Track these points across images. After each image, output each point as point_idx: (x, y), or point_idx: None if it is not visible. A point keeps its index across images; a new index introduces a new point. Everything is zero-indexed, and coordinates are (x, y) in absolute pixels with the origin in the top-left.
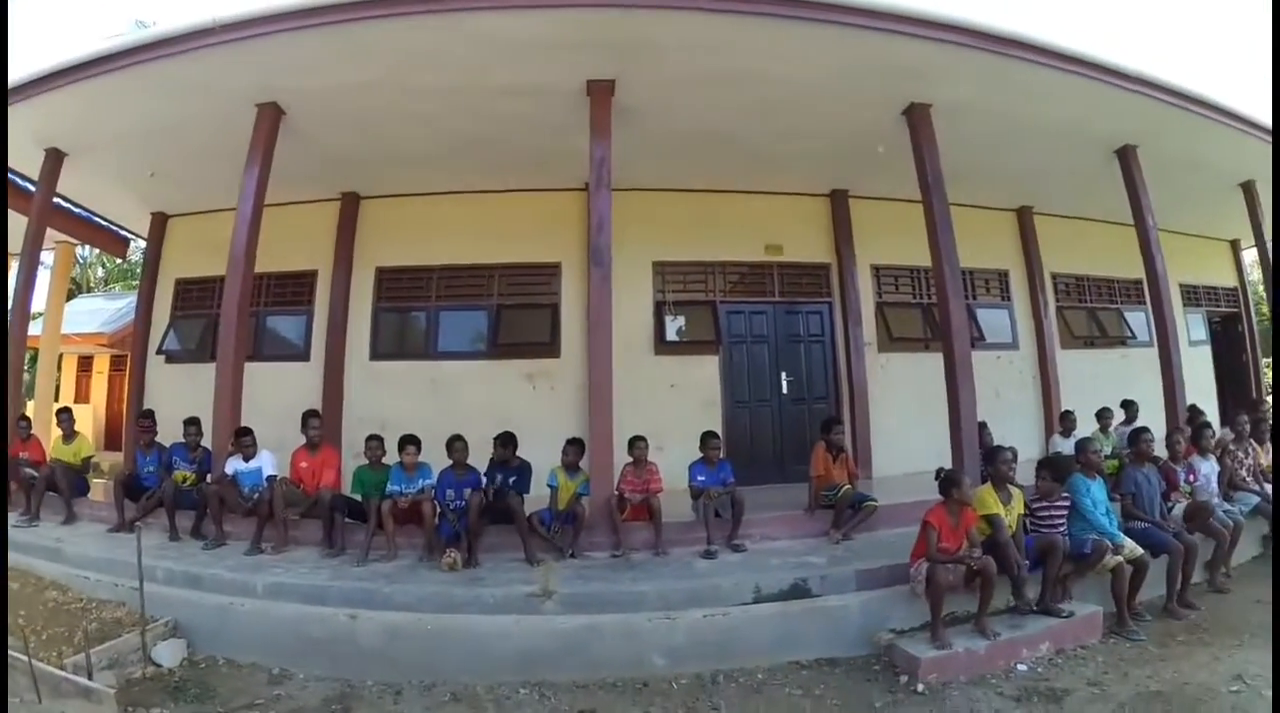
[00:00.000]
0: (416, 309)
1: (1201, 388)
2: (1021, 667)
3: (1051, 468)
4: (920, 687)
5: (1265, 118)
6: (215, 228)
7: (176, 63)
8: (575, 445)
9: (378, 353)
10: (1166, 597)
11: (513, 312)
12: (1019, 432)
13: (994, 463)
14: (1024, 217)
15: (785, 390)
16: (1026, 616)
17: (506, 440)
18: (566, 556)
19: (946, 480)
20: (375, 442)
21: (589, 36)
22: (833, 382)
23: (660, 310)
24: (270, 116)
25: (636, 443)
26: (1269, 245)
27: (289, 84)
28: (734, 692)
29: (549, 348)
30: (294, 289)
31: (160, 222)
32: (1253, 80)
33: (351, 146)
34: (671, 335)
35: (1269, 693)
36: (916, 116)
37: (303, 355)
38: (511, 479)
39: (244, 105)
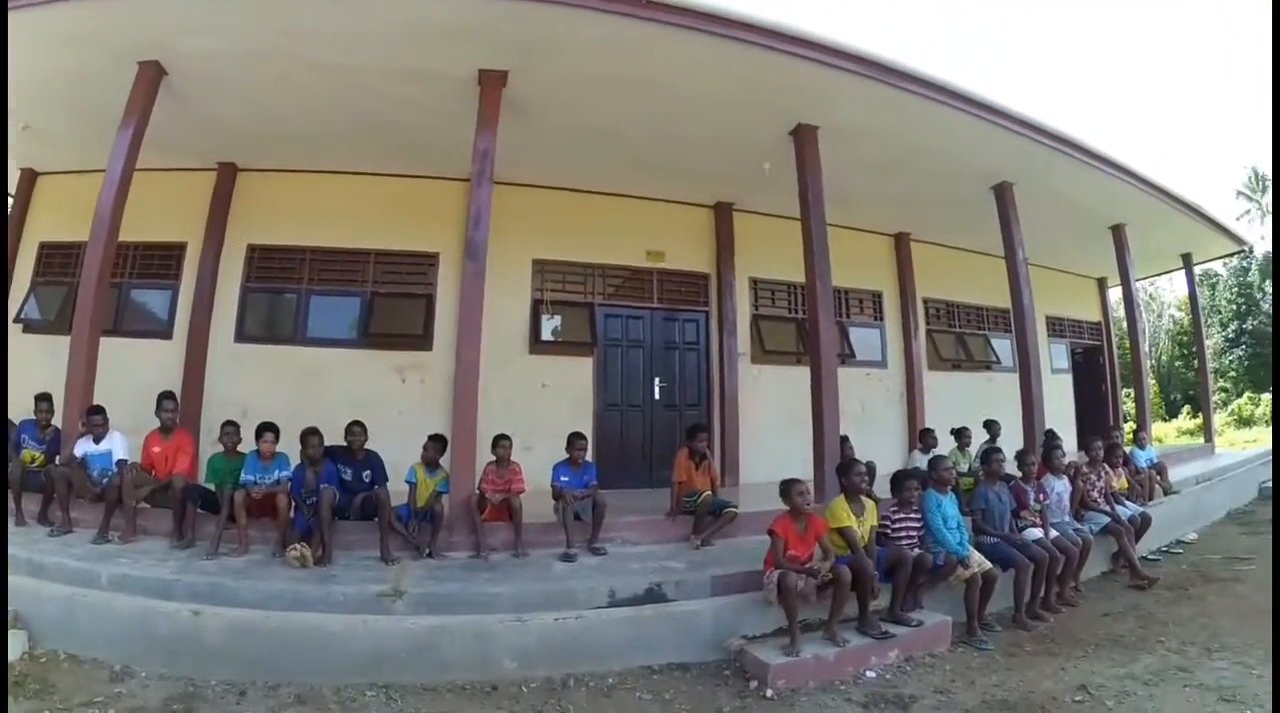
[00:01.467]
0: (287, 291)
1: (1062, 413)
2: (870, 674)
3: (892, 482)
4: (769, 692)
5: (1137, 165)
6: (85, 189)
7: (57, 10)
8: (436, 442)
9: (243, 335)
10: (1015, 608)
11: (387, 301)
12: (884, 447)
13: (847, 475)
14: (901, 242)
15: (658, 396)
16: (877, 624)
17: (355, 428)
18: (424, 555)
19: (782, 491)
20: (231, 428)
21: (488, 25)
22: (705, 390)
23: (537, 309)
24: (150, 75)
25: (500, 441)
26: (1129, 286)
27: (175, 43)
28: (584, 696)
29: (422, 340)
30: (161, 261)
31: (29, 178)
32: (1128, 129)
33: (233, 115)
34: (547, 335)
35: (1112, 703)
36: (803, 137)
37: (165, 332)
38: (365, 474)
39: (125, 61)
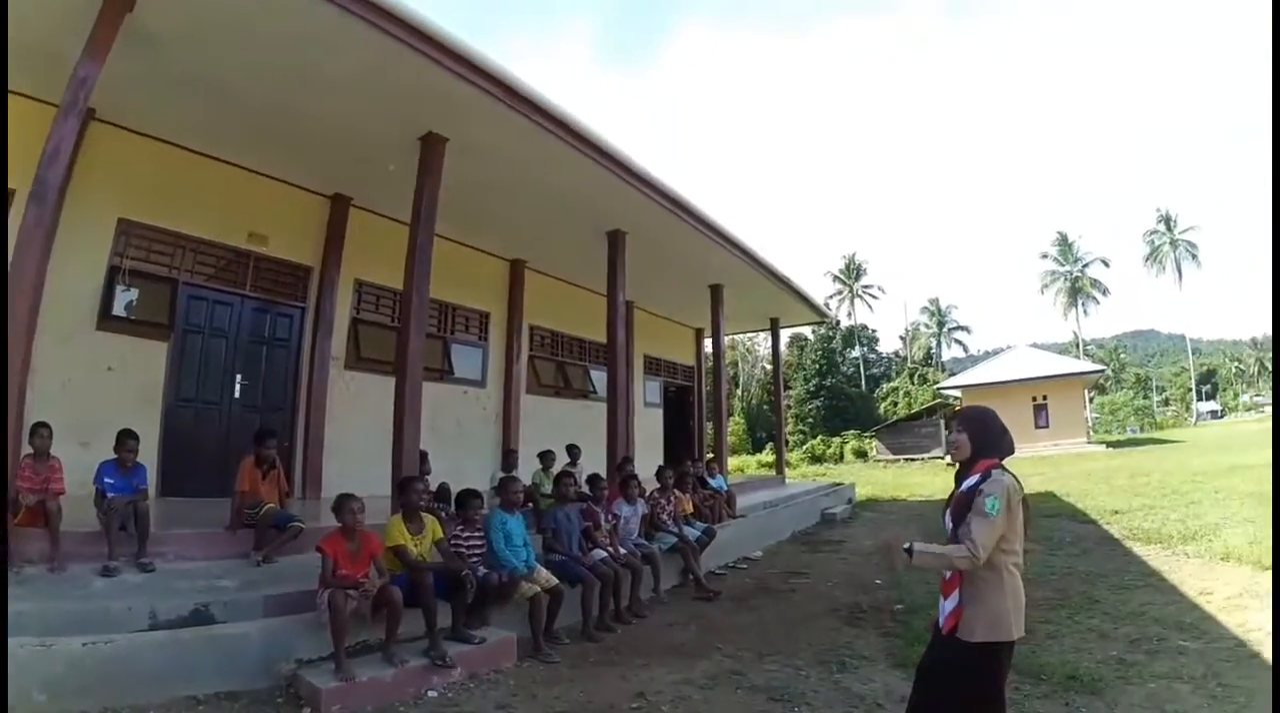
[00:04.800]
0: None
1: (653, 443)
2: (432, 693)
3: (457, 501)
4: None
5: (739, 235)
6: None
7: None
8: None
9: None
10: (583, 623)
11: None
12: (477, 465)
13: (405, 493)
14: (517, 268)
15: (238, 394)
16: (440, 642)
17: None
18: None
19: (335, 507)
20: None
21: None
22: (292, 392)
23: (114, 277)
24: None
25: (39, 431)
26: (718, 338)
27: None
28: None
29: None
30: None
31: None
32: (752, 210)
33: None
34: (120, 310)
35: (668, 708)
36: (432, 146)
37: None
38: None
39: None
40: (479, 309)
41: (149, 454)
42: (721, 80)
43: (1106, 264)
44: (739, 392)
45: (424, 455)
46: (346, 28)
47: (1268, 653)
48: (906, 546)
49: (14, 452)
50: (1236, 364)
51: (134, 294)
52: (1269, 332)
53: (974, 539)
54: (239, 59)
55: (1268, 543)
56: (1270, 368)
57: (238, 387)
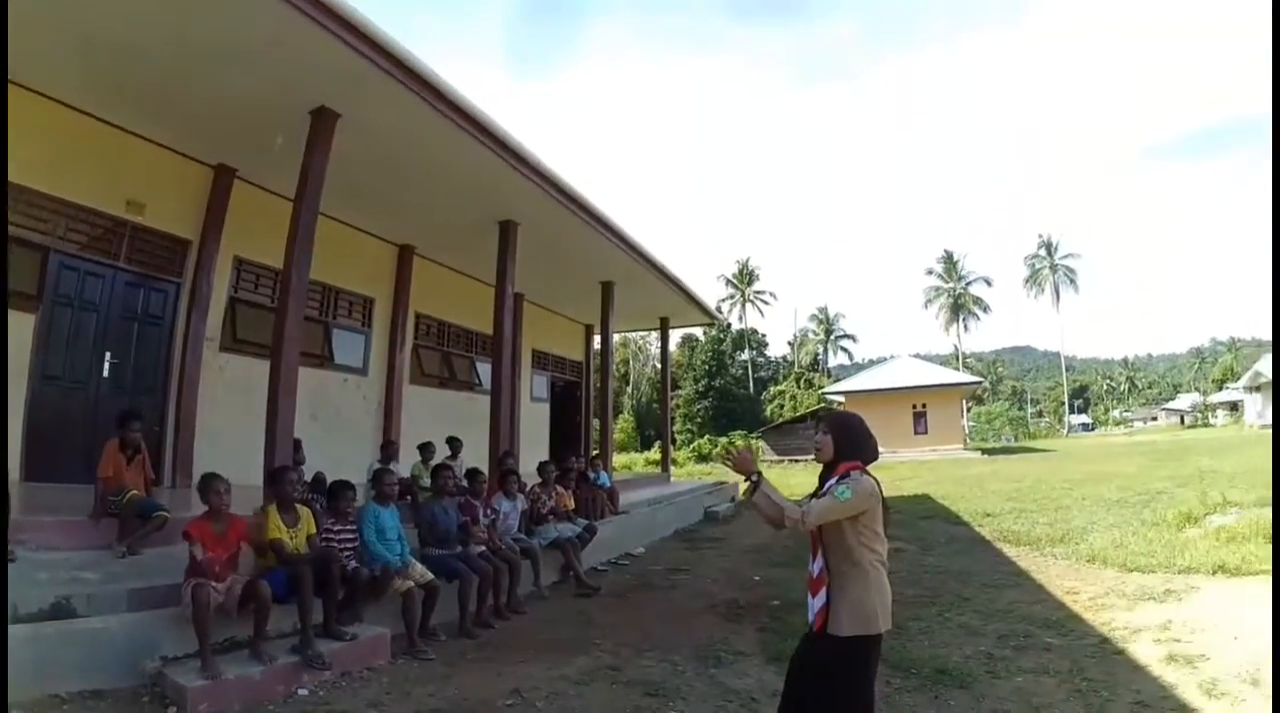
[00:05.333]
0: None
1: (539, 437)
2: (303, 692)
3: (328, 492)
4: None
5: (628, 230)
6: None
7: None
8: None
9: None
10: (460, 618)
11: None
12: (356, 455)
13: (279, 484)
14: (405, 254)
15: (107, 374)
16: (312, 640)
17: None
18: None
19: (200, 488)
20: None
21: None
22: (164, 374)
23: None
24: None
25: None
26: (607, 335)
27: None
28: None
29: None
30: None
31: None
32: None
33: None
34: None
35: (542, 704)
36: (323, 120)
37: None
38: None
39: None
40: (363, 294)
41: (11, 435)
42: (622, 86)
43: (989, 283)
44: (629, 389)
45: (298, 444)
46: None
47: (1132, 649)
48: (756, 477)
49: None
50: (1108, 381)
51: None
52: (1139, 353)
53: (811, 508)
54: (131, 16)
55: (1132, 546)
56: (1135, 387)
57: (107, 365)
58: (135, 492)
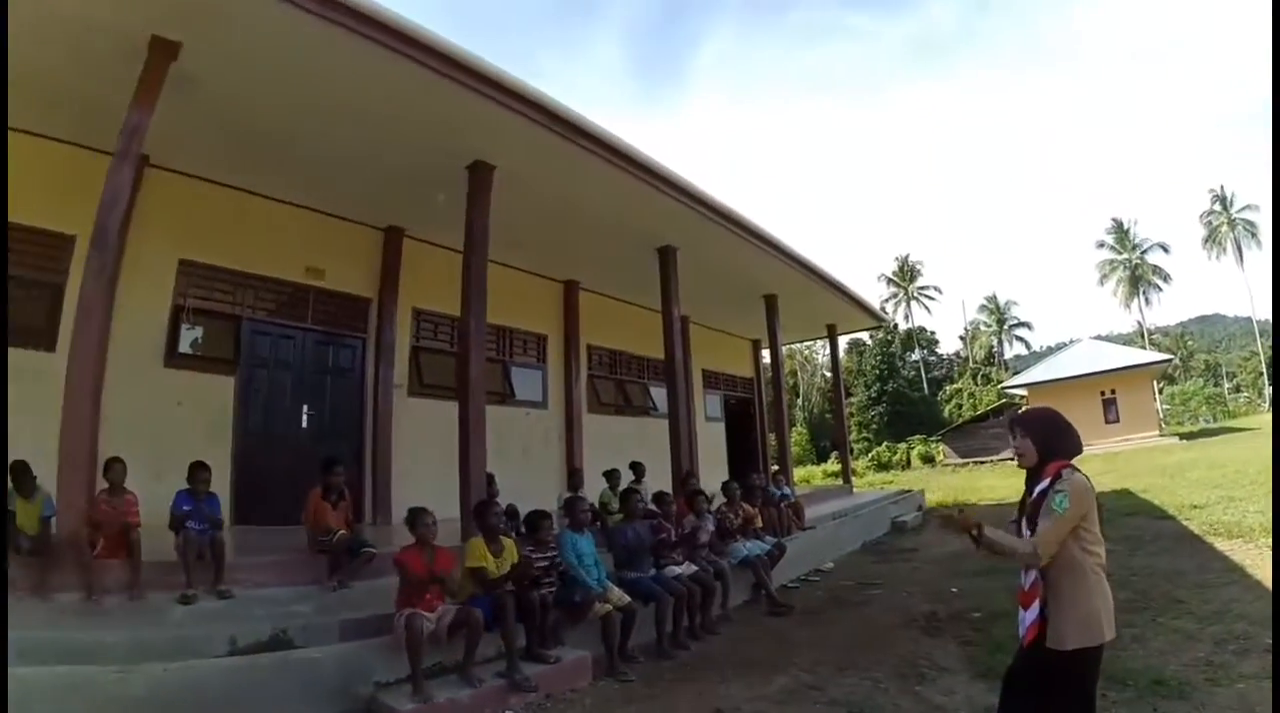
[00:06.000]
0: None
1: (716, 456)
2: None
3: (527, 522)
4: None
5: (790, 243)
6: None
7: None
8: (18, 468)
9: None
10: (657, 640)
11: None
12: (542, 486)
13: (484, 516)
14: (570, 289)
15: (306, 424)
16: (519, 664)
17: None
18: (31, 595)
19: (409, 520)
20: None
21: None
22: (358, 421)
23: (178, 316)
24: None
25: (113, 465)
26: (776, 348)
27: None
28: None
29: (43, 337)
30: None
31: None
32: (794, 215)
33: None
34: (186, 347)
35: None
36: (479, 174)
37: None
38: None
39: None
40: (536, 332)
41: (221, 484)
42: (750, 88)
43: (1166, 249)
44: (799, 401)
45: (491, 478)
46: (383, 62)
47: None
48: (977, 532)
49: (90, 486)
50: None
51: (199, 331)
52: None
53: (1040, 537)
54: (283, 100)
55: None
56: None
57: (305, 417)
58: (343, 531)
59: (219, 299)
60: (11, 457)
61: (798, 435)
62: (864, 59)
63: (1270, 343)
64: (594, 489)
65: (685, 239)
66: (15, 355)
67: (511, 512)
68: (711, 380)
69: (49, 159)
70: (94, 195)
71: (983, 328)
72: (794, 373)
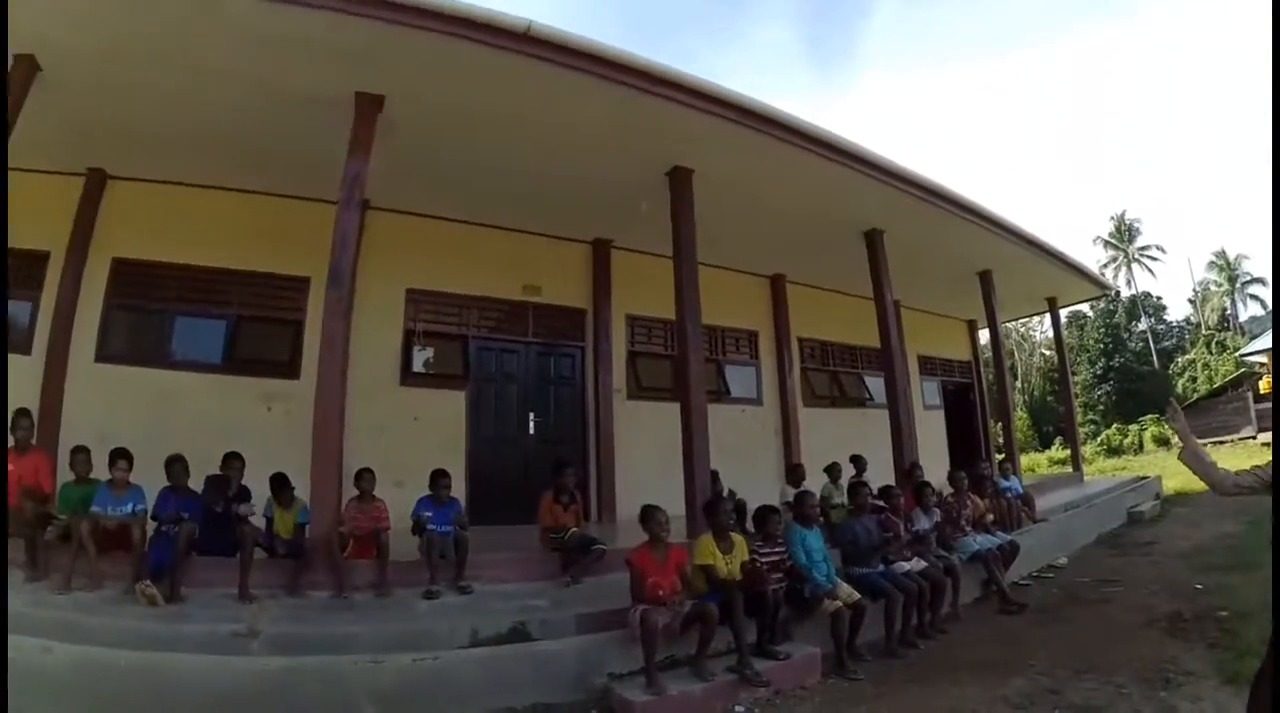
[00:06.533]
0: (151, 310)
1: (935, 446)
2: (739, 709)
3: (756, 518)
4: None
5: (1003, 214)
6: None
7: None
8: (275, 480)
9: (104, 354)
10: (886, 638)
11: (254, 324)
12: (761, 482)
13: (714, 513)
14: (777, 283)
15: (533, 431)
16: (749, 659)
17: (236, 462)
18: (286, 593)
19: (642, 518)
20: (82, 455)
21: (353, 44)
22: (580, 425)
23: (409, 340)
24: (26, 69)
25: (363, 476)
26: (995, 327)
27: (55, 37)
28: None
29: (289, 368)
30: (22, 270)
31: None
32: (994, 178)
33: (106, 118)
34: (419, 367)
35: None
36: (679, 179)
37: (24, 348)
38: (250, 501)
39: None
40: (746, 328)
41: (456, 489)
42: (926, 53)
43: None
44: (1018, 384)
45: (715, 475)
46: (595, 90)
47: None
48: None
49: (338, 495)
50: None
51: (429, 352)
52: None
53: (1244, 474)
54: (484, 135)
55: None
56: None
57: (531, 424)
58: (574, 529)
59: (445, 321)
60: (263, 470)
61: (1019, 421)
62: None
63: None
64: (813, 486)
65: (892, 221)
66: (266, 385)
67: (739, 506)
68: (928, 366)
69: (280, 214)
70: (320, 241)
71: (1213, 288)
72: (1010, 353)
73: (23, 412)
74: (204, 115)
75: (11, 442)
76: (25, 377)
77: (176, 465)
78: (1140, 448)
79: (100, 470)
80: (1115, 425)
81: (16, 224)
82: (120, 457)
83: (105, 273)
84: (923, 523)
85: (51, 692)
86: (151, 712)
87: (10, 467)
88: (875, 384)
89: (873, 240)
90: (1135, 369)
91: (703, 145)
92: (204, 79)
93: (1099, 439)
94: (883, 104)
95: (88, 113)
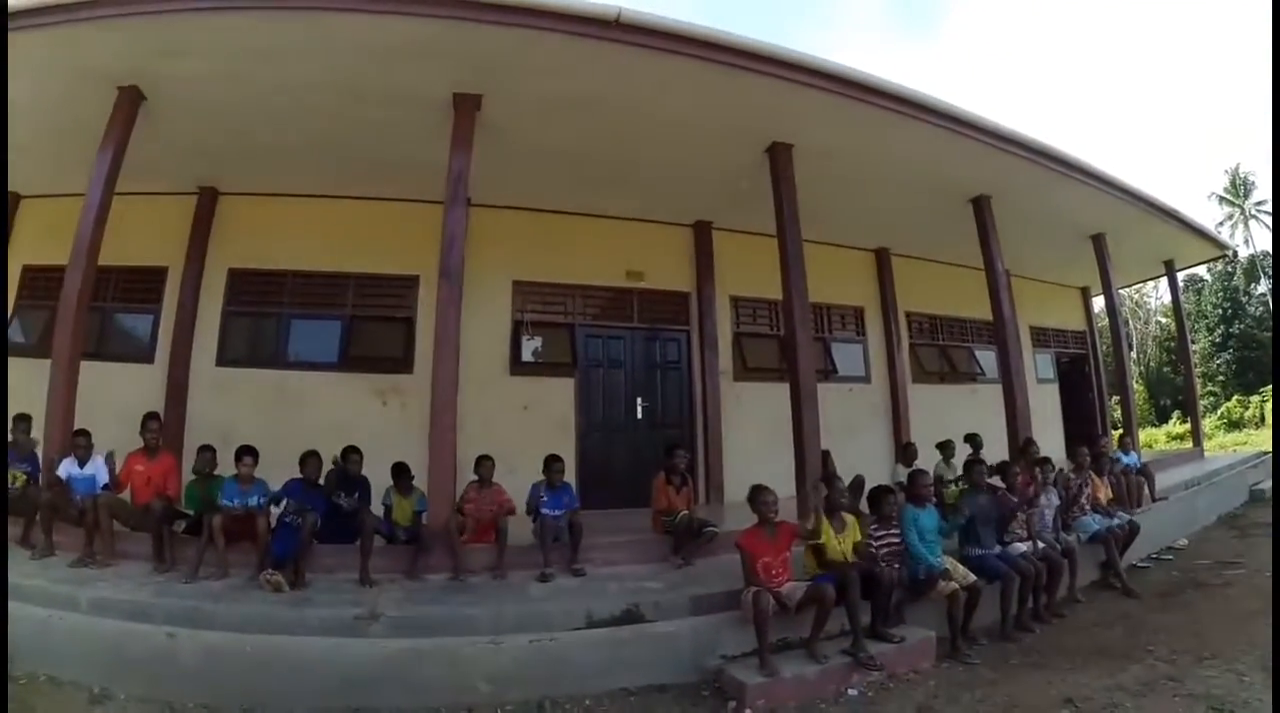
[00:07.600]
0: (268, 315)
1: (1049, 422)
2: (852, 692)
3: (870, 498)
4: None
5: (1115, 173)
6: (67, 213)
7: (38, 35)
8: (396, 469)
9: (224, 359)
10: (1001, 621)
11: (366, 323)
12: (870, 461)
13: (829, 493)
14: (881, 257)
15: (640, 416)
16: (864, 642)
17: (355, 455)
18: (405, 577)
19: (750, 498)
20: (208, 453)
21: (460, 48)
22: (688, 408)
23: (518, 330)
24: (130, 99)
25: (483, 462)
26: (1110, 293)
27: (152, 67)
28: None
29: (402, 363)
30: (142, 285)
31: (13, 201)
32: (1101, 137)
33: (212, 138)
34: (527, 356)
35: None
36: (778, 155)
37: (147, 356)
38: (356, 495)
39: (105, 86)
40: (852, 305)
41: (568, 474)
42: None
43: None
44: (1133, 354)
45: (826, 454)
46: (690, 72)
47: None
48: None
49: (453, 483)
50: None
51: (538, 341)
52: None
53: None
54: (579, 124)
55: None
56: None
57: (639, 409)
58: (684, 512)
59: (552, 311)
60: (380, 462)
61: (1136, 394)
62: None
63: None
64: (923, 464)
65: (999, 186)
66: (381, 380)
67: (857, 484)
68: (1040, 337)
69: (386, 217)
70: (426, 240)
71: None
72: (1125, 322)
73: (151, 415)
74: (307, 127)
75: (141, 444)
76: (151, 383)
77: (311, 460)
78: (1262, 421)
79: (225, 468)
80: (1236, 397)
81: (134, 244)
82: (246, 453)
83: (221, 283)
84: (1041, 503)
85: (180, 676)
86: (278, 693)
87: (140, 468)
88: (986, 358)
89: (980, 207)
90: (1257, 336)
91: (802, 120)
92: (309, 94)
93: (1218, 412)
94: (969, 53)
95: (195, 135)
